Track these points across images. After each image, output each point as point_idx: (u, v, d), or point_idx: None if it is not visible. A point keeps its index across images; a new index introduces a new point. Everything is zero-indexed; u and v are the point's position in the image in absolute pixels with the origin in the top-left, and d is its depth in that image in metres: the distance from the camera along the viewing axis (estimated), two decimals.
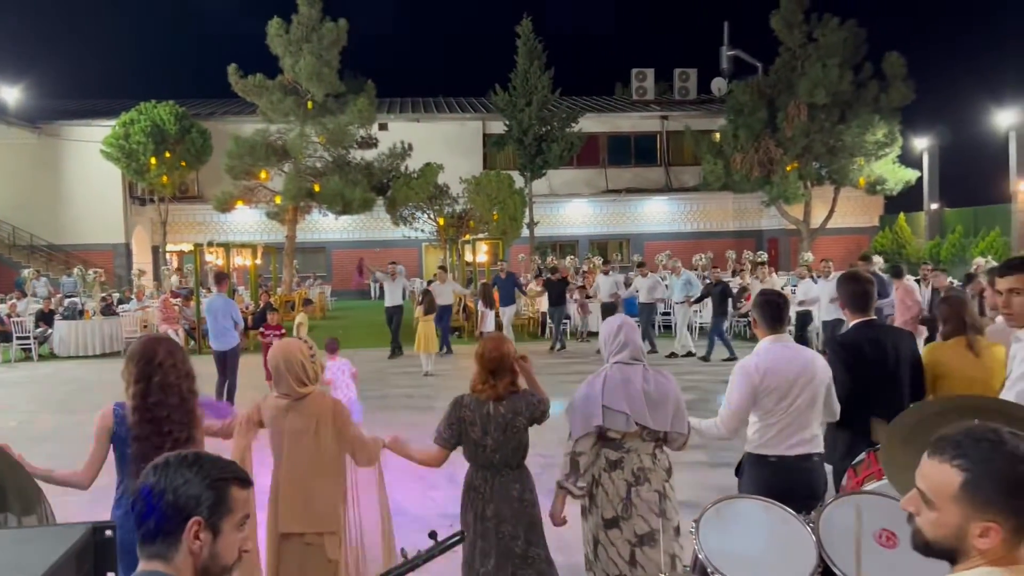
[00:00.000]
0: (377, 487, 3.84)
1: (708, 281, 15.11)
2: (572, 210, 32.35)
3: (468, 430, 3.54)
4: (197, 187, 30.22)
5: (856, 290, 4.07)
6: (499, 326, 14.78)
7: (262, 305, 17.75)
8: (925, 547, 1.59)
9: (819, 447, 3.65)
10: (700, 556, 2.75)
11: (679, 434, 3.52)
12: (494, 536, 3.52)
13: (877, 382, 3.87)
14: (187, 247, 26.97)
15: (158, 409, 3.29)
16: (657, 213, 32.90)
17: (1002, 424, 2.59)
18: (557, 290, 15.65)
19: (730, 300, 14.37)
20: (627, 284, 15.85)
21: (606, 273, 15.77)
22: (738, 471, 3.88)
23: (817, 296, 12.50)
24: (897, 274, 10.95)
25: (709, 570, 2.68)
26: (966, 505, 1.51)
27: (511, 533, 3.52)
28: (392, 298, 14.88)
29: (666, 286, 15.55)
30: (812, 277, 13.75)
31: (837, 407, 3.76)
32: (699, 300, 14.84)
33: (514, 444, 3.55)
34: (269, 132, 23.54)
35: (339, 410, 3.64)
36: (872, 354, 3.90)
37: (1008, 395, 3.19)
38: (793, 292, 15.62)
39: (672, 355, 14.43)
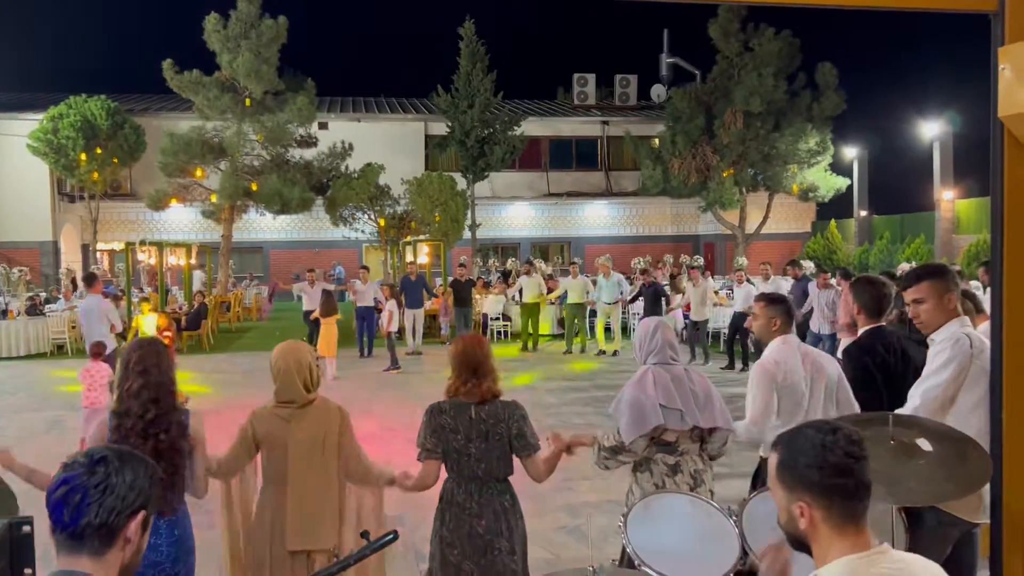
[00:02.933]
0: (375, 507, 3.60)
1: (641, 283, 15.46)
2: (514, 213, 32.47)
3: (449, 438, 3.29)
4: (130, 184, 29.36)
5: (874, 294, 4.02)
6: (403, 328, 15.12)
7: (196, 306, 17.47)
8: (788, 538, 1.72)
9: None
10: (628, 549, 2.81)
11: (727, 431, 3.51)
12: (486, 554, 3.25)
13: (886, 386, 3.85)
14: (119, 246, 26.21)
15: (124, 418, 3.12)
16: (597, 217, 33.25)
17: (915, 431, 2.73)
18: (463, 291, 15.66)
19: (663, 300, 14.70)
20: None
21: (528, 274, 15.98)
22: (755, 479, 3.95)
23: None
24: (846, 276, 11.39)
25: (636, 562, 2.75)
26: (783, 486, 1.66)
27: (507, 548, 3.28)
28: (311, 303, 14.56)
29: (595, 284, 15.89)
30: (749, 280, 14.10)
31: (856, 406, 3.80)
32: (632, 300, 15.19)
33: (498, 453, 3.30)
34: (205, 129, 23.00)
35: (346, 419, 3.46)
36: (884, 358, 3.88)
37: (915, 393, 3.37)
38: (729, 296, 16.04)
39: (601, 352, 14.95)
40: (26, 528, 1.56)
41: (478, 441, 3.28)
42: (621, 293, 15.29)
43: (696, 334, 14.17)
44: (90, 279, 10.18)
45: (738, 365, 13.16)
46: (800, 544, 1.68)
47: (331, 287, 15.34)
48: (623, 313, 16.07)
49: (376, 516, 3.61)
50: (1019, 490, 2.91)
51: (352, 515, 3.56)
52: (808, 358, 3.82)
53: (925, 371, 3.41)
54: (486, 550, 3.25)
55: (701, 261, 24.47)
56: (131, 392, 3.14)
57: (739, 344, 13.39)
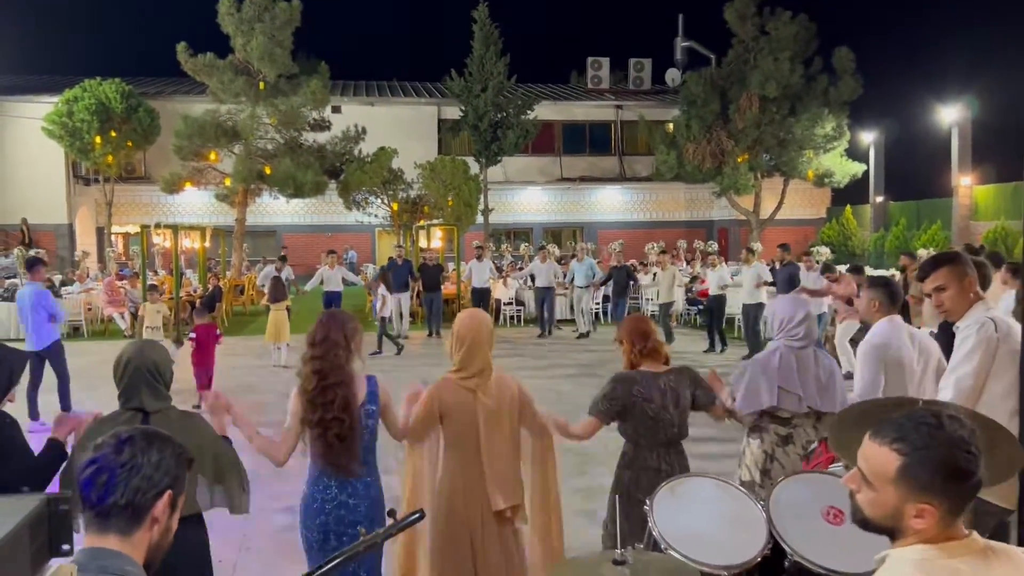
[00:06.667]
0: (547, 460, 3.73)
1: (612, 266, 15.87)
2: (527, 197, 32.39)
3: (644, 407, 3.51)
4: (144, 167, 29.47)
5: None
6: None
7: (211, 289, 17.54)
8: (864, 523, 1.64)
9: None
10: (654, 533, 2.80)
11: None
12: None
13: None
14: (133, 229, 26.33)
15: (308, 381, 3.28)
16: (610, 202, 33.13)
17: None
18: (430, 275, 15.61)
19: (631, 283, 15.08)
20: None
21: (479, 259, 16.02)
22: None
23: (739, 281, 13.51)
24: (857, 271, 11.44)
25: (662, 546, 2.73)
26: (903, 488, 1.56)
27: None
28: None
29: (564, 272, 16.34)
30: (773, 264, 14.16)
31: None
32: (604, 283, 15.42)
33: (686, 415, 3.61)
34: (219, 112, 23.03)
35: (523, 387, 3.57)
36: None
37: (946, 384, 3.34)
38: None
39: (581, 335, 15.21)
40: (64, 505, 1.57)
41: (671, 407, 3.55)
42: (594, 276, 15.55)
43: (666, 317, 14.31)
44: (32, 264, 9.15)
45: (719, 347, 13.40)
46: (878, 529, 1.62)
47: (281, 275, 15.24)
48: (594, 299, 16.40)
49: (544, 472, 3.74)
50: None
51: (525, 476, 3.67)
52: (914, 338, 3.92)
53: (952, 360, 3.38)
54: None
55: (715, 247, 24.37)
56: (307, 359, 3.31)
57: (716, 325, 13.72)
